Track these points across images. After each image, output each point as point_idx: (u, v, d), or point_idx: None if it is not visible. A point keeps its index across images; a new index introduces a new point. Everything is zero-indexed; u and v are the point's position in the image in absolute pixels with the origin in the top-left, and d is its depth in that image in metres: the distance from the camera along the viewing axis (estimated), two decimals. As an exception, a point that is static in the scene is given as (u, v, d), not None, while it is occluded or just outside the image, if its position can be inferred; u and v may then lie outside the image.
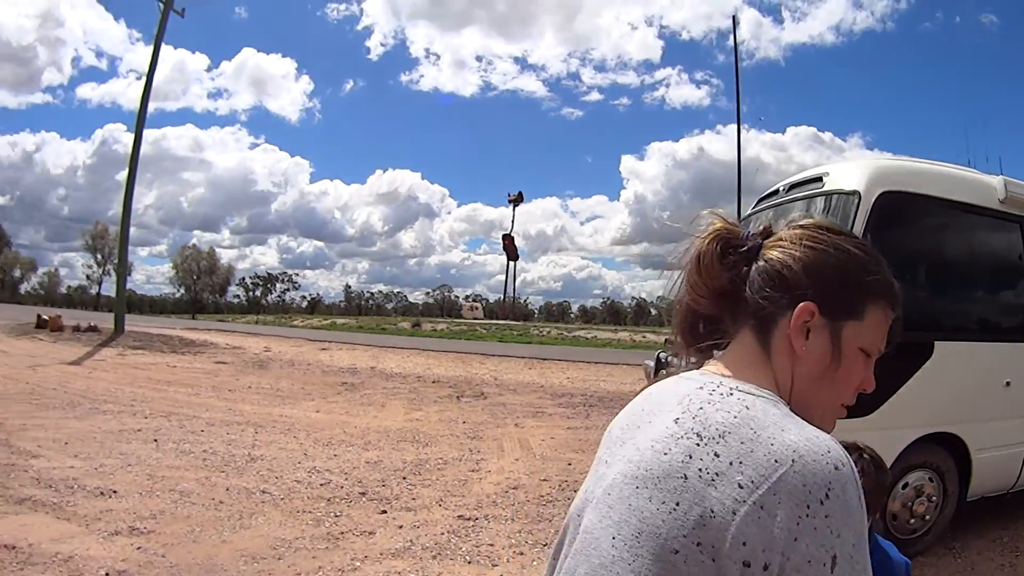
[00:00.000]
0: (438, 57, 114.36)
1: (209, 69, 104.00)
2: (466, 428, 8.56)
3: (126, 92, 71.88)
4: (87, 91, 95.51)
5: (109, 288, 38.70)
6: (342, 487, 5.74)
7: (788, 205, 4.80)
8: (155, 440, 7.01)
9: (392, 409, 9.87)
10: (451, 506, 5.36)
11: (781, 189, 5.08)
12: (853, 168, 4.43)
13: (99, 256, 65.86)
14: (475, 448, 7.45)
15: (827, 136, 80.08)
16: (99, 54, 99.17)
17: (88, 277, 69.99)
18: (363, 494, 5.56)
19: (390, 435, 7.93)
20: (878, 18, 79.58)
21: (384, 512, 5.14)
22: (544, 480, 6.23)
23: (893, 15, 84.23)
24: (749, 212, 5.87)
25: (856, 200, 4.09)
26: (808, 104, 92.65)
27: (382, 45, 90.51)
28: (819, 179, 4.57)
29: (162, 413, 8.47)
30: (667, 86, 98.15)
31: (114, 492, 5.22)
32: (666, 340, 5.92)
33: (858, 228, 3.98)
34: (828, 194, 4.38)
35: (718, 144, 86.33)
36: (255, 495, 5.38)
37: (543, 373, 15.02)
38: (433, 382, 12.95)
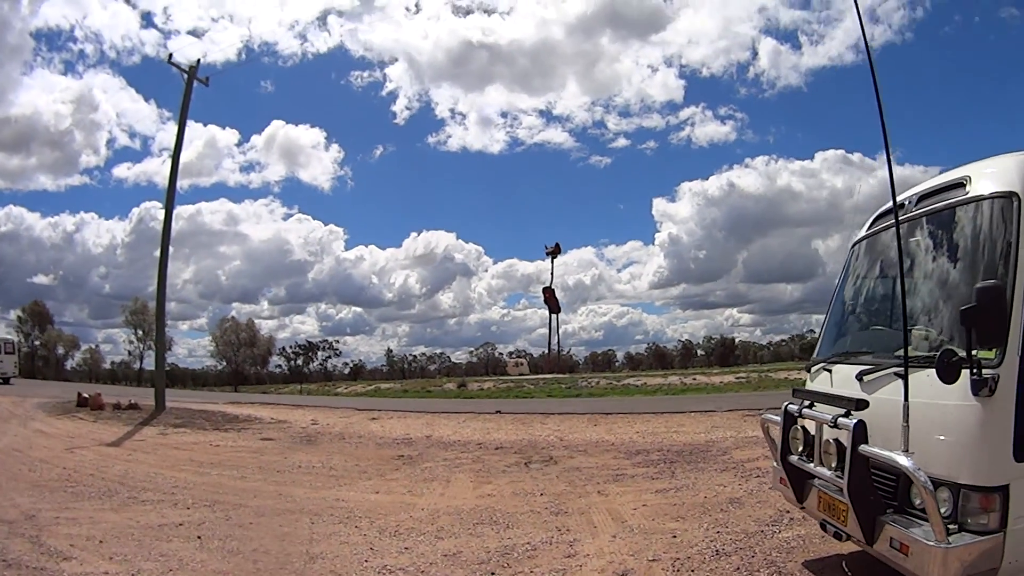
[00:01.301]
0: (463, 116, 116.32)
1: (240, 143, 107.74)
2: (546, 501, 7.54)
3: (160, 170, 73.58)
4: (123, 171, 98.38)
5: (151, 363, 39.20)
6: (422, 592, 4.79)
7: (925, 219, 4.09)
8: (199, 537, 6.20)
9: (459, 484, 8.90)
10: (556, 609, 4.41)
11: (907, 203, 4.31)
12: (1001, 165, 3.72)
13: (139, 331, 65.99)
14: (563, 526, 6.45)
15: (856, 157, 78.74)
16: (132, 134, 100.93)
17: (130, 353, 70.45)
18: (448, 600, 4.62)
19: (463, 517, 6.95)
20: (896, 30, 77.62)
21: (478, 625, 4.18)
22: (654, 560, 5.30)
23: (911, 25, 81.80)
24: (866, 232, 4.95)
25: (1015, 204, 3.42)
26: (834, 127, 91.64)
27: (407, 109, 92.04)
28: (960, 184, 3.85)
29: (205, 502, 7.65)
30: (692, 125, 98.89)
31: (153, 613, 4.39)
32: (794, 390, 4.93)
33: (1023, 238, 3.29)
34: (975, 201, 3.67)
35: (748, 178, 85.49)
36: (320, 611, 4.49)
37: (610, 429, 13.91)
38: (496, 448, 11.90)
